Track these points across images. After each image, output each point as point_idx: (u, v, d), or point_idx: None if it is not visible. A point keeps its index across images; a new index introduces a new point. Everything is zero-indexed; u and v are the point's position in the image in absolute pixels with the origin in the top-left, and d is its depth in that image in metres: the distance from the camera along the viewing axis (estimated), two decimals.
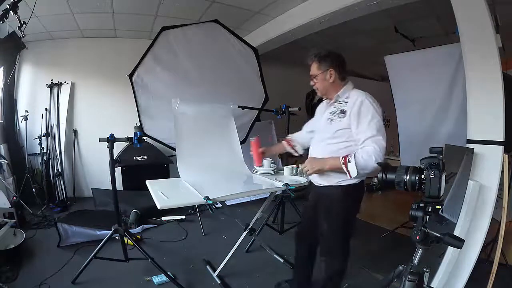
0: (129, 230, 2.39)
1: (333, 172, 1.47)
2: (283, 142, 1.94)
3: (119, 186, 3.10)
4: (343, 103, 1.48)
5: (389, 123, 5.72)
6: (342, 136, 1.46)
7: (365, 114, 1.39)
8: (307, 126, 1.83)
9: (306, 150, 1.80)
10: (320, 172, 1.49)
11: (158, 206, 1.49)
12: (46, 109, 3.78)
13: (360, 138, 1.40)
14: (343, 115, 1.45)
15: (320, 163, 1.48)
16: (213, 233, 2.91)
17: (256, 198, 3.26)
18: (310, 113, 4.64)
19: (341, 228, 1.54)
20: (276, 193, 2.57)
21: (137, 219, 2.97)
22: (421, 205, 1.02)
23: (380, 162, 1.31)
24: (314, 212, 1.63)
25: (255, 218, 2.23)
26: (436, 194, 0.98)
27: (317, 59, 1.53)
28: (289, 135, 1.94)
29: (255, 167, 2.24)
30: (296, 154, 1.97)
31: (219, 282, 2.02)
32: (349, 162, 1.37)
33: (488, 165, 1.64)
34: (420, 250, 1.05)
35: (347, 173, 1.39)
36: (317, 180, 1.59)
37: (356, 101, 1.43)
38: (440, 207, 1.00)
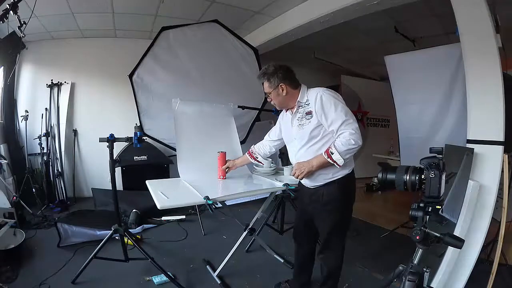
0: (129, 230, 2.38)
1: (321, 172, 1.51)
2: (246, 154, 2.00)
3: (119, 186, 3.10)
4: (306, 105, 1.54)
5: (389, 123, 5.77)
6: (318, 135, 1.51)
7: (328, 106, 1.45)
8: (271, 135, 1.89)
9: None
10: (310, 173, 1.52)
11: (158, 206, 1.49)
12: (46, 109, 3.78)
13: (334, 129, 1.45)
14: (310, 115, 1.51)
15: (307, 165, 1.51)
16: (213, 233, 2.91)
17: (256, 198, 3.26)
18: None
19: (338, 224, 1.59)
20: (276, 193, 2.57)
21: (137, 219, 2.97)
22: (421, 205, 1.03)
23: (380, 162, 1.33)
24: (310, 212, 1.66)
25: (255, 218, 2.23)
26: (436, 194, 0.98)
27: (266, 78, 1.58)
28: (252, 146, 2.00)
29: (254, 167, 2.24)
30: (261, 164, 2.08)
31: (219, 282, 2.02)
32: (332, 153, 1.42)
33: (488, 165, 1.64)
34: (420, 250, 1.05)
35: (335, 164, 1.43)
36: (307, 183, 1.62)
37: (316, 98, 1.48)
38: (440, 207, 1.00)
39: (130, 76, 2.80)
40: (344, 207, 1.58)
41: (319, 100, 1.46)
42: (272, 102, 1.65)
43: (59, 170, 3.76)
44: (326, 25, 3.08)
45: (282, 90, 1.56)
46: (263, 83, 1.62)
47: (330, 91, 1.51)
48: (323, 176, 1.53)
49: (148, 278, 2.02)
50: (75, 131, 3.98)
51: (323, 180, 1.53)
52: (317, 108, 1.47)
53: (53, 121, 3.81)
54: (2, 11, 1.86)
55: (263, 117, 3.64)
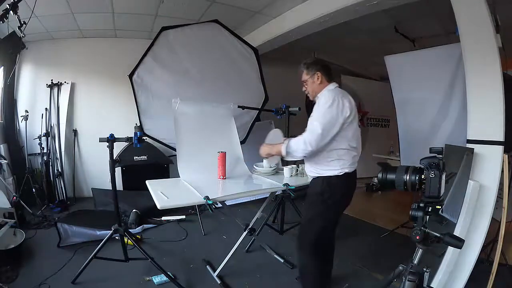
0: (129, 230, 2.38)
1: (310, 164, 1.62)
2: None
3: (119, 186, 3.10)
4: (317, 100, 1.62)
5: (389, 123, 5.77)
6: None
7: (318, 105, 1.53)
8: None
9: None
10: (269, 155, 1.70)
11: (158, 206, 1.49)
12: (46, 109, 3.78)
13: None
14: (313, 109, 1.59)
15: (269, 147, 1.69)
16: (213, 233, 2.91)
17: (256, 198, 3.26)
18: (311, 113, 4.64)
19: (311, 219, 1.61)
20: (276, 193, 2.57)
21: (137, 219, 2.97)
22: (421, 205, 1.03)
23: (380, 162, 1.34)
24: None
25: (255, 218, 2.23)
26: (436, 194, 0.98)
27: (305, 66, 1.69)
28: None
29: (254, 167, 2.24)
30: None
31: (219, 282, 2.02)
32: (284, 143, 1.57)
33: (488, 165, 1.64)
34: (420, 250, 1.05)
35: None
36: (306, 171, 1.72)
37: (322, 95, 1.58)
38: (440, 207, 1.00)
39: (130, 76, 2.80)
40: (322, 205, 1.57)
41: (319, 97, 1.58)
42: (306, 92, 1.72)
43: (59, 170, 3.76)
44: (326, 25, 3.08)
45: (318, 79, 1.64)
46: (301, 73, 1.72)
47: (337, 94, 1.53)
48: (310, 168, 1.63)
49: (148, 278, 2.02)
50: (75, 131, 3.97)
51: (311, 172, 1.63)
52: (315, 103, 1.57)
53: (53, 121, 3.81)
54: (2, 11, 1.86)
55: (263, 117, 3.64)
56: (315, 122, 1.48)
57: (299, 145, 1.51)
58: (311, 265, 1.64)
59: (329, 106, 1.48)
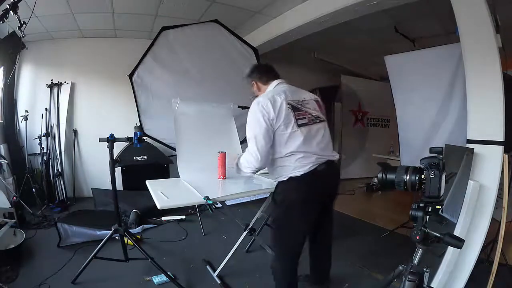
0: (129, 230, 2.39)
1: (271, 170, 1.61)
2: None
3: (119, 186, 3.10)
4: None
5: (389, 123, 5.77)
6: None
7: (248, 114, 1.52)
8: None
9: None
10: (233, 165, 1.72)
11: (158, 206, 1.49)
12: (46, 109, 3.78)
13: None
14: None
15: (233, 157, 1.74)
16: (213, 233, 2.91)
17: (256, 198, 3.26)
18: None
19: (275, 223, 1.65)
20: None
21: (137, 219, 2.97)
22: (421, 205, 1.03)
23: (380, 162, 1.34)
24: None
25: (255, 218, 2.23)
26: (436, 194, 0.98)
27: (246, 80, 1.72)
28: None
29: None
30: None
31: (219, 282, 2.02)
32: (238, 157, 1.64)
33: (488, 165, 1.64)
34: (420, 250, 1.06)
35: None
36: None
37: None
38: (440, 207, 1.00)
39: (130, 76, 2.80)
40: (279, 209, 1.57)
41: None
42: None
43: (59, 170, 3.76)
44: (326, 25, 3.08)
45: (255, 86, 1.67)
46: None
47: (260, 102, 1.49)
48: (273, 175, 1.62)
49: (148, 278, 2.02)
50: (75, 131, 3.98)
51: (274, 178, 1.63)
52: None
53: (53, 121, 3.81)
54: (2, 11, 1.86)
55: None
56: (250, 138, 1.48)
57: (244, 164, 1.56)
58: (278, 267, 1.66)
59: (252, 114, 1.48)
